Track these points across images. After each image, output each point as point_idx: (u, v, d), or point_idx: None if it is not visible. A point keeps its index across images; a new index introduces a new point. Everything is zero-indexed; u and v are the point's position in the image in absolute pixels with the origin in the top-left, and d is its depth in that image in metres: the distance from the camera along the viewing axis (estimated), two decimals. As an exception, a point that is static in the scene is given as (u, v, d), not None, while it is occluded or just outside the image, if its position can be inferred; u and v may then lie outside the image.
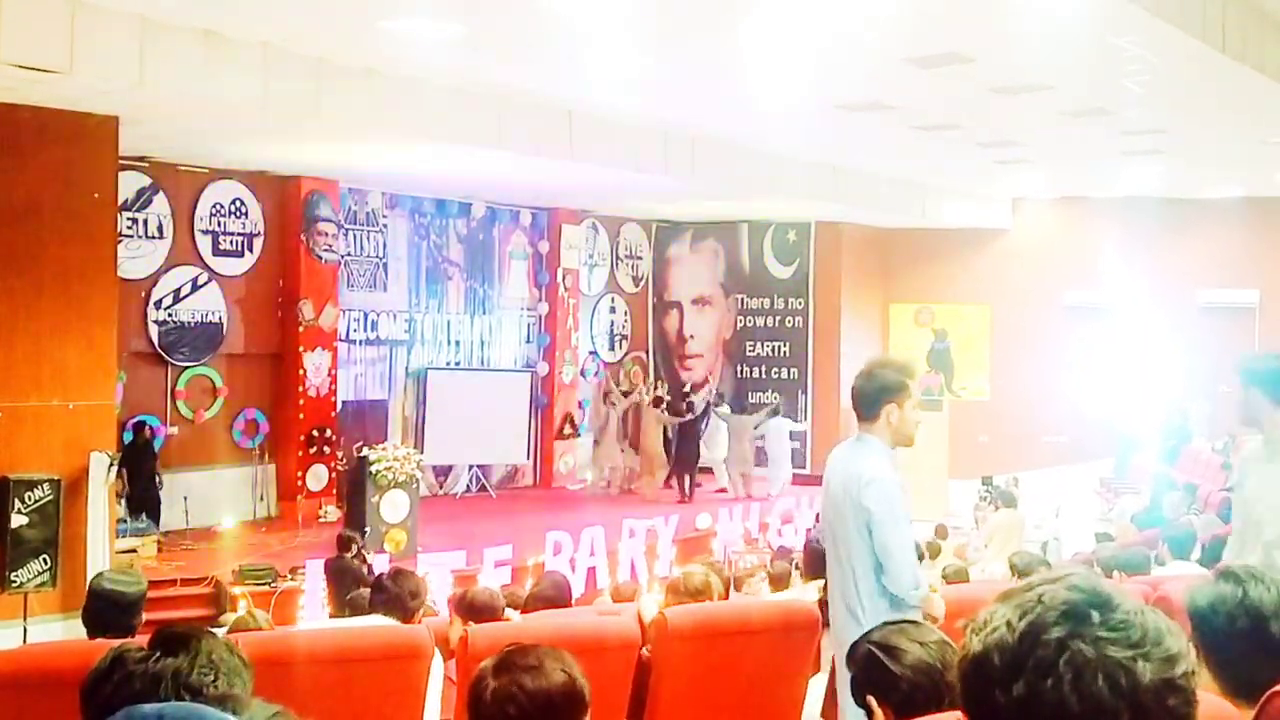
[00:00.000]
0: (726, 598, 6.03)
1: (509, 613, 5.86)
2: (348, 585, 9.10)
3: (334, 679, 4.14)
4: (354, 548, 10.40)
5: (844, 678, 3.47)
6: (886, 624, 2.76)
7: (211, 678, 2.16)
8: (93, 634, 4.51)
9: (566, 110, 12.06)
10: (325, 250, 14.78)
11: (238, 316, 14.29)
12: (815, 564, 5.72)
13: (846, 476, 4.13)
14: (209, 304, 13.98)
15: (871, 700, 2.62)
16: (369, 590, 5.81)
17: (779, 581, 7.77)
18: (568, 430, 18.07)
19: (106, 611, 4.48)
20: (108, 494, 10.25)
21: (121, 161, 10.99)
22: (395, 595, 4.99)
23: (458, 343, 17.20)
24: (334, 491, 14.60)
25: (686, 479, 17.19)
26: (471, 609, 5.18)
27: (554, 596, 6.09)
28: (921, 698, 2.56)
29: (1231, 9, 9.51)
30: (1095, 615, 1.33)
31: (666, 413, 17.94)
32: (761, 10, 8.59)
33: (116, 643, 2.53)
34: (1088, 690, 1.29)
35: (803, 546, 8.03)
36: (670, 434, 17.71)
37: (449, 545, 11.88)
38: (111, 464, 10.25)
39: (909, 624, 2.71)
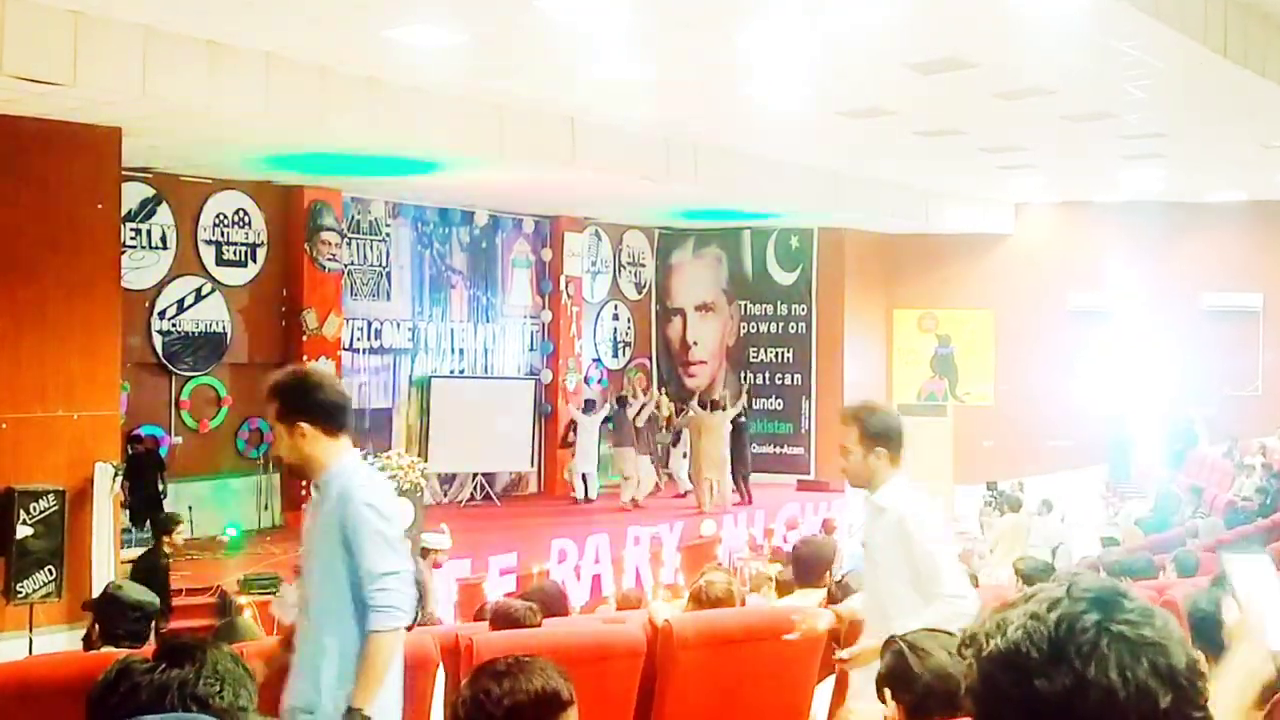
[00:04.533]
0: (744, 605, 6.01)
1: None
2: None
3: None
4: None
5: None
6: (925, 628, 2.83)
7: (218, 688, 2.17)
8: (106, 640, 4.50)
9: (568, 118, 12.08)
10: (328, 259, 14.80)
11: (241, 326, 14.30)
12: (805, 571, 5.67)
13: None
14: (213, 314, 13.99)
15: (887, 693, 2.66)
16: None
17: (786, 588, 7.76)
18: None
19: (114, 618, 4.49)
20: (113, 504, 10.25)
21: (125, 172, 11.02)
22: None
23: (461, 351, 17.22)
24: (338, 500, 14.58)
25: (743, 480, 17.29)
26: (507, 620, 5.16)
27: (542, 602, 6.02)
28: (935, 702, 2.58)
29: (1233, 12, 9.52)
30: (1124, 602, 1.35)
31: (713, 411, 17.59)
32: (762, 17, 8.60)
33: (123, 653, 2.54)
34: (1132, 673, 1.30)
35: (791, 553, 7.95)
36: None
37: (454, 553, 11.85)
38: (116, 474, 10.26)
39: (944, 632, 2.76)
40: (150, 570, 9.15)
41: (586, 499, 16.72)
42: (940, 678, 2.60)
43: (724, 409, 17.38)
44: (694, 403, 17.87)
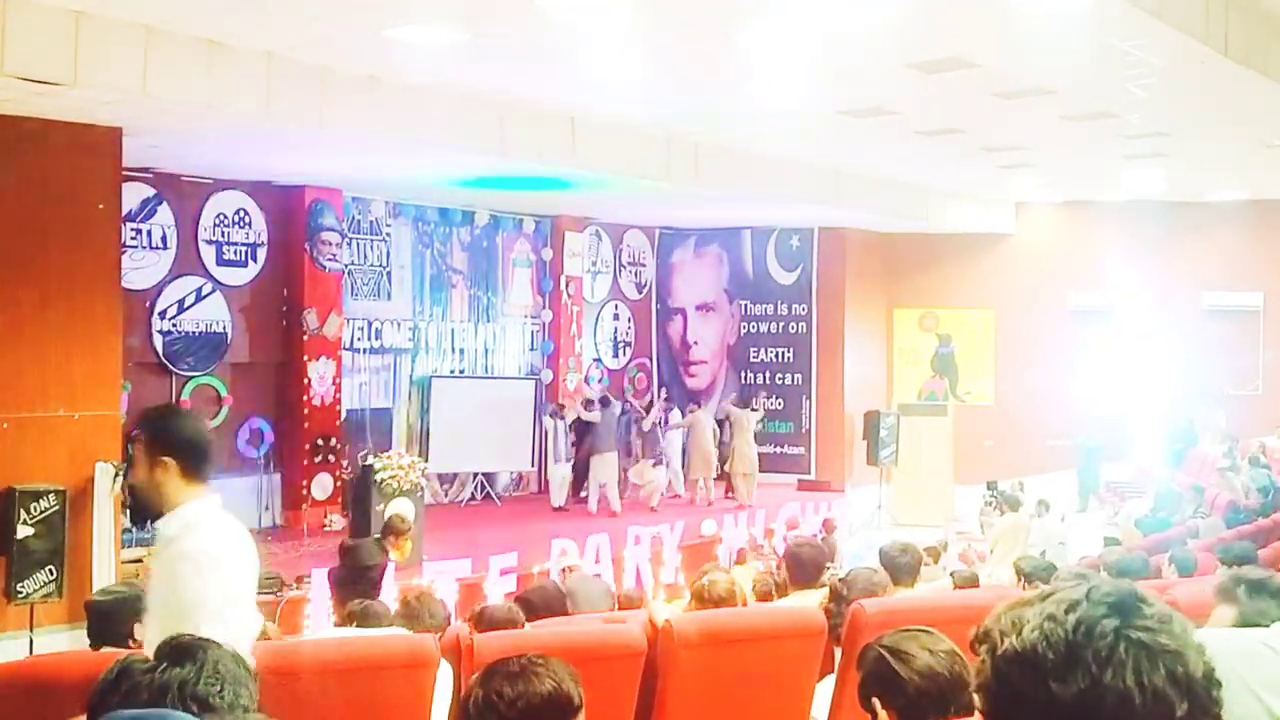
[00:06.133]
0: (746, 604, 6.00)
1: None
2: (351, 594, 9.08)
3: (339, 688, 4.13)
4: (359, 556, 10.38)
5: None
6: (900, 630, 2.77)
7: (218, 688, 2.17)
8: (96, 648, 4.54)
9: (569, 117, 12.07)
10: (329, 259, 14.80)
11: (242, 326, 14.30)
12: (801, 572, 5.62)
13: None
14: (213, 314, 13.99)
15: (875, 702, 2.62)
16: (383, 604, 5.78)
17: (782, 589, 7.74)
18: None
19: (97, 626, 4.53)
20: (113, 504, 10.25)
21: (125, 172, 11.01)
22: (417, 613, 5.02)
23: (462, 350, 17.21)
24: (339, 500, 14.60)
25: (742, 479, 17.38)
26: (491, 625, 5.16)
27: (543, 601, 6.00)
28: (927, 704, 2.56)
29: (1234, 12, 9.51)
30: (1144, 608, 1.34)
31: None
32: (763, 17, 8.60)
33: (124, 653, 2.54)
34: (1149, 680, 1.29)
35: (783, 554, 7.87)
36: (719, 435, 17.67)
37: (454, 553, 11.86)
38: (117, 474, 10.25)
39: (921, 631, 2.72)
40: (364, 566, 9.08)
41: (554, 507, 16.39)
42: (929, 678, 2.58)
43: (749, 409, 17.58)
44: (729, 401, 18.12)
